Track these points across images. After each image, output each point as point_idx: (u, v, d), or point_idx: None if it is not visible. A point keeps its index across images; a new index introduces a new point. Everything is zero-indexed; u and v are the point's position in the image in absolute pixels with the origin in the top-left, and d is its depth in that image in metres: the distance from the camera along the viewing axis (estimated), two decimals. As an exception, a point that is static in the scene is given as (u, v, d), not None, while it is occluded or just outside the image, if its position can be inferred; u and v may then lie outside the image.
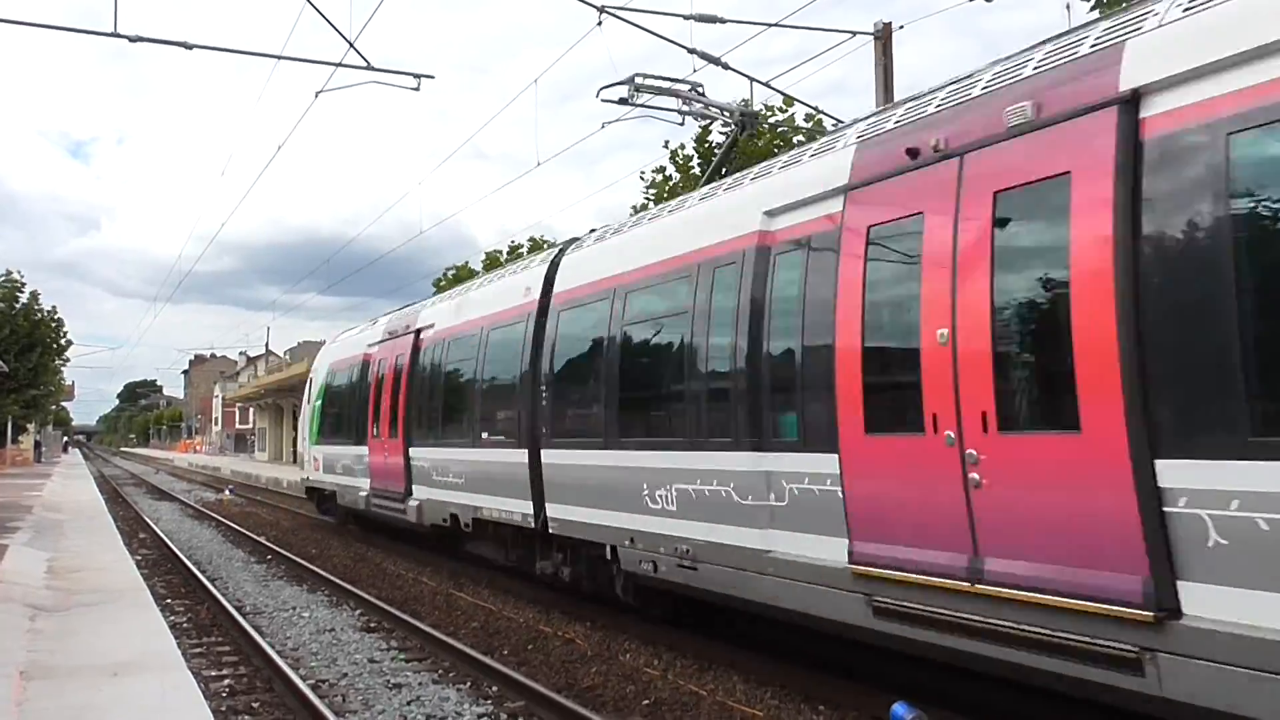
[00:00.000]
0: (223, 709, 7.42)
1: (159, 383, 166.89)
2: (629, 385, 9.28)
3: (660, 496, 8.53)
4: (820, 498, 6.82)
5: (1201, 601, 4.58)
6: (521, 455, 11.06)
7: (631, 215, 16.95)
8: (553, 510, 10.50)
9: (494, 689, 7.90)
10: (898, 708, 5.98)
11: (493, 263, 35.18)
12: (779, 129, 20.34)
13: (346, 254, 61.43)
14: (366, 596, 11.89)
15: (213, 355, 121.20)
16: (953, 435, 5.75)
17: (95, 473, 50.47)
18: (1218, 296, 4.53)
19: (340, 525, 20.66)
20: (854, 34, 14.13)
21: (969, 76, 6.50)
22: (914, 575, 5.99)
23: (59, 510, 21.95)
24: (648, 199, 23.09)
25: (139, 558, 15.56)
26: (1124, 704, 5.04)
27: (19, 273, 47.46)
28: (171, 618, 10.65)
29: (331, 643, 9.84)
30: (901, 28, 14.49)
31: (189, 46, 13.35)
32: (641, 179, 23.66)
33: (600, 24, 12.44)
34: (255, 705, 7.64)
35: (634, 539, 8.96)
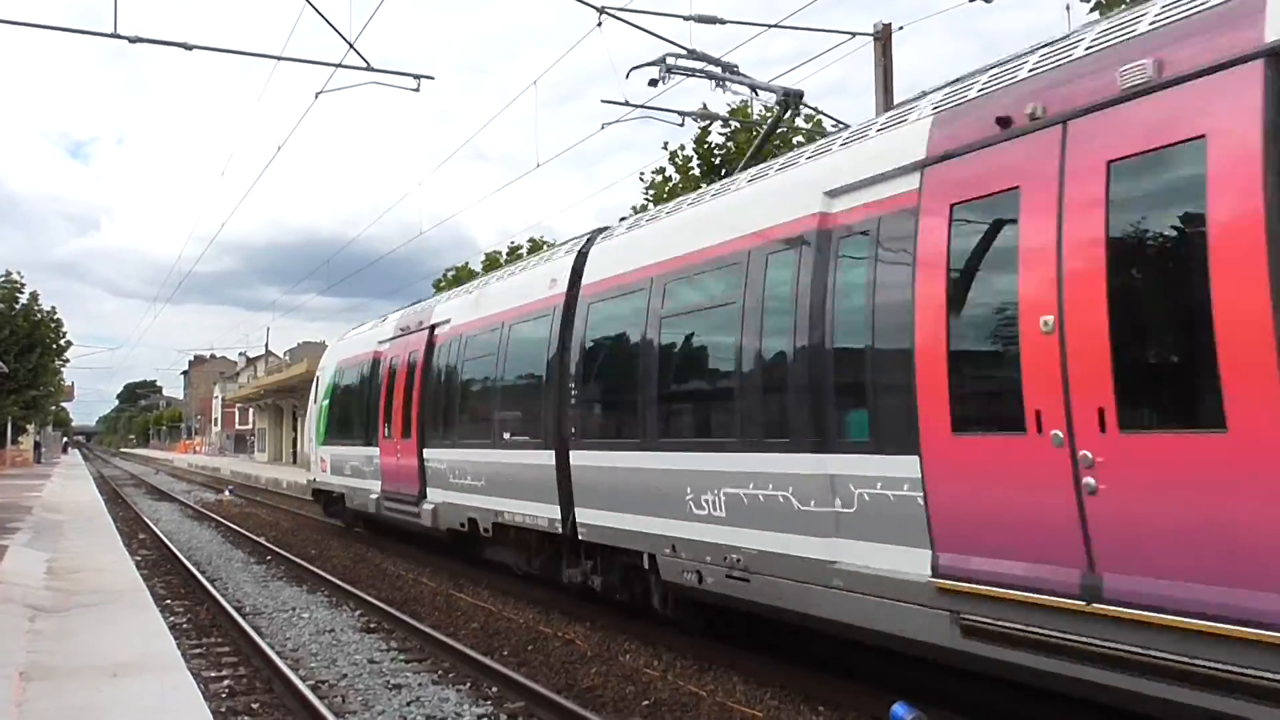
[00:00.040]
0: (222, 710, 7.37)
1: (159, 383, 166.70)
2: (670, 382, 8.65)
3: (706, 501, 7.91)
4: (896, 504, 6.19)
5: None
6: (548, 456, 10.43)
7: (631, 213, 16.35)
8: (582, 515, 9.87)
9: (494, 689, 7.83)
10: (898, 708, 5.92)
11: (492, 263, 34.67)
12: (779, 130, 19.85)
13: (346, 254, 60.91)
14: (366, 597, 11.71)
15: (212, 356, 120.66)
16: (1061, 435, 5.12)
17: (95, 473, 50.29)
18: None
19: (348, 528, 20.08)
20: (854, 35, 13.97)
21: (1064, 38, 5.89)
22: (1012, 591, 5.37)
23: (59, 511, 21.75)
24: (647, 200, 22.61)
25: (139, 558, 15.50)
26: None
27: (19, 273, 47.85)
28: (171, 618, 10.56)
29: (331, 643, 9.76)
30: (901, 28, 14.40)
31: (189, 47, 13.21)
32: (641, 180, 23.16)
33: (600, 25, 12.29)
34: (255, 706, 7.57)
35: (675, 547, 8.33)
